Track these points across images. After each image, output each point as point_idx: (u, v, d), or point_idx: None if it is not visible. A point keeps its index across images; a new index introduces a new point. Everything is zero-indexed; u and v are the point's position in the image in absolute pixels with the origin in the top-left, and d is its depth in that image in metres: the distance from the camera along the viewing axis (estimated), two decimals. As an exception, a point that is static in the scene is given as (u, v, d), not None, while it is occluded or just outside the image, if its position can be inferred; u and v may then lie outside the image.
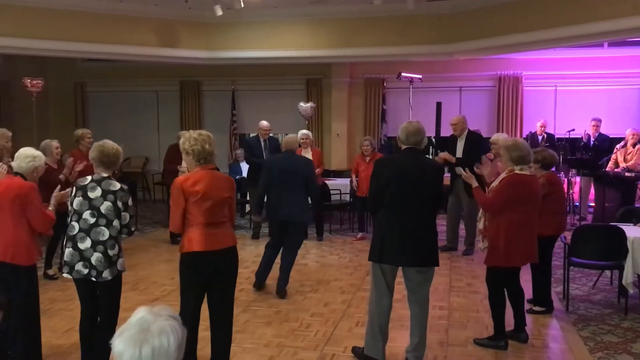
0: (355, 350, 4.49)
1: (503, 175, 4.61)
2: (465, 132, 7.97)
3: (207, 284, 3.94)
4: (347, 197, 9.67)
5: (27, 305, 4.14)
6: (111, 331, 4.08)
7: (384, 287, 4.23)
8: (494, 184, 4.65)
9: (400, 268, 4.25)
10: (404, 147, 4.26)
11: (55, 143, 6.65)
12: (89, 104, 13.46)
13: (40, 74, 10.44)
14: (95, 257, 3.89)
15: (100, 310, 4.09)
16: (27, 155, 4.19)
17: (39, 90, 9.76)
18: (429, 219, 4.21)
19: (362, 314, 5.55)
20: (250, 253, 8.10)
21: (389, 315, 4.31)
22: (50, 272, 6.65)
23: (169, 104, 13.04)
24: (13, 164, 4.23)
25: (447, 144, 8.31)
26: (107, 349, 1.62)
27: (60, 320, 5.34)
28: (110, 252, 3.93)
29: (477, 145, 7.87)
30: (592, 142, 9.90)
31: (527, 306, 5.64)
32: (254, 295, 6.15)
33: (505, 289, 4.75)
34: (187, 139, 3.93)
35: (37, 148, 4.84)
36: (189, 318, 3.81)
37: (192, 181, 3.84)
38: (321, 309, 5.70)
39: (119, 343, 1.55)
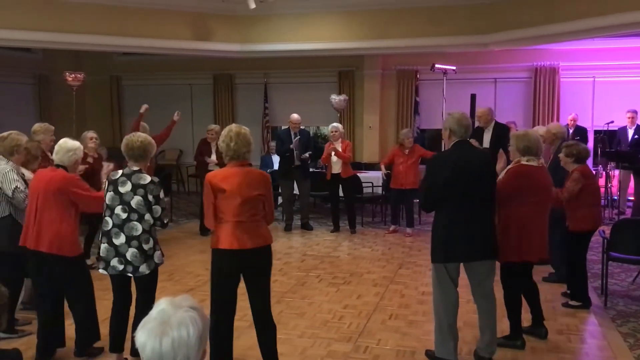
0: (428, 354, 4.39)
1: (510, 166, 4.49)
2: (492, 124, 7.90)
3: (235, 283, 3.83)
4: (379, 190, 9.64)
5: (78, 293, 4.26)
6: None
7: (450, 285, 4.12)
8: (500, 176, 4.50)
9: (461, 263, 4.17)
10: (455, 139, 4.15)
11: (90, 134, 6.80)
12: (124, 97, 13.68)
13: (78, 68, 10.64)
14: (131, 253, 3.88)
15: (136, 302, 4.10)
16: (69, 149, 4.25)
17: (80, 83, 9.94)
18: (488, 211, 4.13)
19: (395, 306, 5.54)
20: (283, 245, 8.15)
21: (457, 312, 4.21)
22: (89, 262, 6.79)
23: (202, 97, 13.16)
24: (54, 156, 4.28)
25: (473, 135, 8.22)
26: None
27: (98, 309, 5.44)
28: (145, 247, 3.91)
29: (504, 137, 7.76)
30: (632, 136, 9.64)
31: (562, 300, 5.58)
32: (287, 287, 6.18)
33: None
34: (221, 135, 3.83)
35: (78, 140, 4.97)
36: (218, 313, 3.80)
37: (221, 177, 3.72)
38: (354, 301, 5.70)
39: (141, 335, 1.57)
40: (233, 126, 3.83)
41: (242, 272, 3.82)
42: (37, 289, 4.34)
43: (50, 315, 4.28)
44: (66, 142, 4.30)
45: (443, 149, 10.40)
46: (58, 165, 4.23)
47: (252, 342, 4.24)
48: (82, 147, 4.42)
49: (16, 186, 4.57)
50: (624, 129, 9.81)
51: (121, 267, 3.92)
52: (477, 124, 8.04)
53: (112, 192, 3.94)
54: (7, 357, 2.18)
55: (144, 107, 8.15)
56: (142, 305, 4.02)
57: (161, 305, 1.62)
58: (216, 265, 3.82)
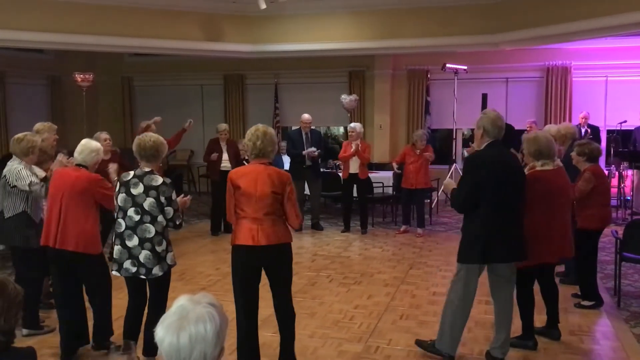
0: (420, 343, 4.41)
1: (525, 172, 4.42)
2: None
3: (254, 278, 3.87)
4: (390, 190, 9.62)
5: (99, 289, 4.33)
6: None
7: (475, 286, 4.13)
8: None
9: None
10: (488, 139, 4.11)
11: (104, 135, 6.84)
12: (136, 97, 13.76)
13: (90, 69, 10.72)
14: (144, 255, 3.89)
15: (149, 302, 4.12)
16: (93, 150, 4.32)
17: (89, 84, 10.01)
18: (520, 212, 4.12)
19: (406, 307, 5.53)
20: (293, 245, 7.97)
21: None
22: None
23: (213, 97, 13.21)
24: (77, 156, 4.34)
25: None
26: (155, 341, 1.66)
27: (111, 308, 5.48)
28: (158, 249, 3.92)
29: (510, 136, 7.68)
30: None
31: (574, 301, 5.54)
32: (297, 286, 6.17)
33: (540, 285, 4.66)
34: (248, 132, 3.90)
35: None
36: (241, 310, 3.86)
37: (239, 174, 3.83)
38: (365, 302, 5.69)
39: (160, 330, 1.60)
40: (260, 126, 3.91)
41: (261, 268, 3.88)
42: (61, 288, 4.35)
43: (75, 313, 4.34)
44: (89, 143, 4.36)
45: (454, 149, 10.45)
46: (79, 165, 4.29)
47: (262, 341, 4.25)
48: (102, 148, 4.48)
49: (31, 180, 4.65)
50: (640, 129, 9.73)
51: (134, 269, 3.92)
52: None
53: (124, 194, 3.93)
54: (21, 355, 2.19)
55: (155, 121, 8.09)
56: (155, 306, 4.04)
57: (180, 301, 1.65)
58: (235, 261, 3.89)
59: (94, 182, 4.20)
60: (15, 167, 4.70)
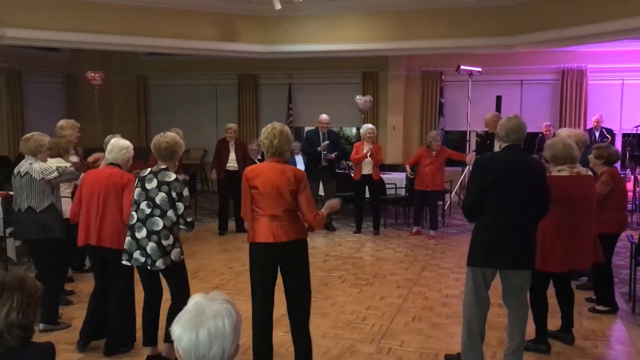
0: (448, 358, 4.36)
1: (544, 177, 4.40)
2: None
3: (272, 276, 3.89)
4: (403, 191, 9.60)
5: (129, 289, 4.41)
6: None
7: (484, 290, 4.06)
8: None
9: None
10: (503, 144, 4.05)
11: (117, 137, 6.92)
12: (150, 96, 13.83)
13: (105, 68, 10.81)
14: (150, 247, 4.00)
15: (171, 295, 4.21)
16: (122, 147, 4.43)
17: (100, 82, 10.10)
18: (534, 219, 4.00)
19: (419, 309, 5.52)
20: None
21: (486, 318, 4.15)
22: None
23: (227, 97, 13.26)
24: (107, 155, 4.44)
25: (483, 140, 8.24)
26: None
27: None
28: (164, 242, 4.00)
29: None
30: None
31: (588, 305, 5.50)
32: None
33: (555, 289, 4.64)
34: (264, 131, 3.91)
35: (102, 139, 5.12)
36: (258, 307, 3.89)
37: (255, 173, 3.85)
38: (377, 303, 5.69)
39: (177, 328, 1.62)
40: (276, 124, 3.93)
41: (278, 266, 3.90)
42: (99, 283, 4.51)
43: (102, 307, 4.45)
44: (118, 141, 4.48)
45: (467, 150, 10.41)
46: (112, 164, 4.41)
47: (273, 340, 4.26)
48: (132, 145, 4.55)
49: (57, 166, 4.82)
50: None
51: (142, 259, 4.04)
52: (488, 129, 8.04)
53: (139, 188, 4.08)
54: (40, 350, 2.22)
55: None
56: (173, 300, 4.15)
57: (195, 298, 1.66)
58: (253, 259, 3.91)
59: (126, 180, 4.32)
60: (32, 164, 4.78)
